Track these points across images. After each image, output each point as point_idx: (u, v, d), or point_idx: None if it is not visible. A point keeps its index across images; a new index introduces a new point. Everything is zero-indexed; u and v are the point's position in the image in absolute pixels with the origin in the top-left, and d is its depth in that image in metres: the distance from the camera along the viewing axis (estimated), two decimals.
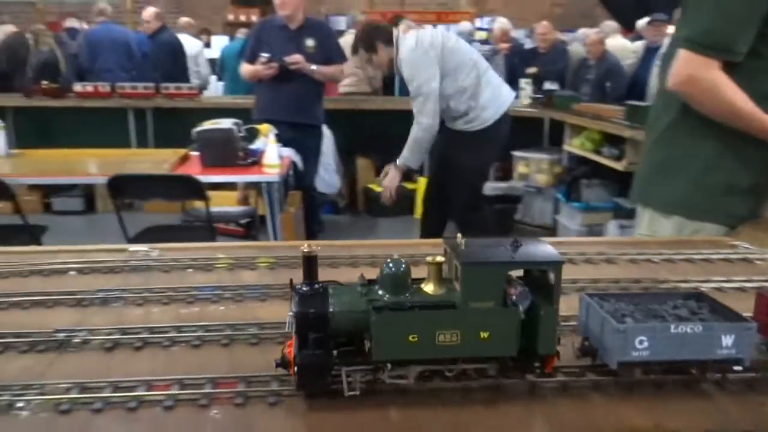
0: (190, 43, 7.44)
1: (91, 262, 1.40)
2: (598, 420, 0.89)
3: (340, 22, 9.01)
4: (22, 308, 1.22)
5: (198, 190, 3.30)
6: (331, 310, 0.87)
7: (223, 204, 4.41)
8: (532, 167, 5.69)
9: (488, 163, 4.33)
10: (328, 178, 5.62)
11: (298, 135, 4.27)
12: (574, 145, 5.21)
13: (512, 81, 7.17)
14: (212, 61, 8.03)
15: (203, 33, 9.52)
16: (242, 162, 3.67)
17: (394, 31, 3.61)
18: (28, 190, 5.51)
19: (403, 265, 0.91)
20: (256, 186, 4.40)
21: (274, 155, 3.60)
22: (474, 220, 3.85)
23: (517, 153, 5.74)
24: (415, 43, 3.47)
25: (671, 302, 1.02)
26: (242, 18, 10.95)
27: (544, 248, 0.93)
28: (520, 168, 5.78)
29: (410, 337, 0.86)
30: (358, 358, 0.90)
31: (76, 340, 1.05)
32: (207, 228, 3.48)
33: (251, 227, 4.37)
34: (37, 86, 5.88)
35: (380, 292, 0.90)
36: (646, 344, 0.89)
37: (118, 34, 7.09)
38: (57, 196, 5.99)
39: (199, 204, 3.97)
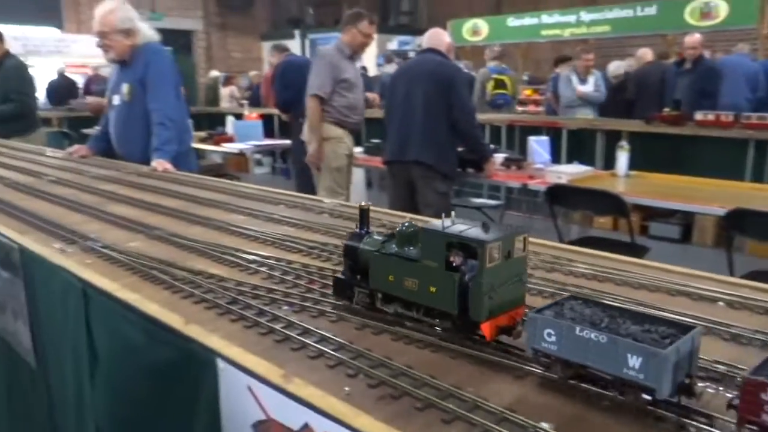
0: None
1: (741, 297, 1.25)
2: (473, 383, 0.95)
3: None
4: None
5: None
6: (359, 247, 1.18)
7: None
8: None
9: None
10: None
11: None
12: None
13: None
14: None
15: None
16: None
17: None
18: (631, 210, 5.78)
19: (412, 228, 1.12)
20: None
21: None
22: None
23: None
24: None
25: (650, 325, 0.88)
26: None
27: (490, 231, 1.01)
28: None
29: (389, 277, 1.12)
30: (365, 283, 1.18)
31: None
32: None
33: None
34: (659, 114, 6.10)
35: (391, 244, 1.14)
36: (554, 338, 0.91)
37: (748, 65, 6.76)
38: (655, 221, 6.10)
39: None
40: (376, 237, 1.19)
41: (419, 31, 15.09)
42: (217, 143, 6.73)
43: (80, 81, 10.76)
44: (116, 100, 3.53)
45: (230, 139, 6.74)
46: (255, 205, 2.24)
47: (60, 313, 1.53)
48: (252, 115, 7.86)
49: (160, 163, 3.13)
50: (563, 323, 0.91)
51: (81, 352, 1.43)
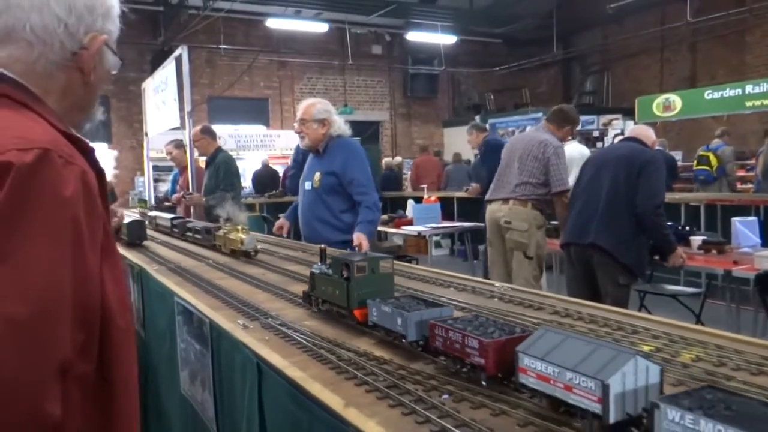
0: None
1: None
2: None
3: None
4: None
5: None
6: (313, 271, 1.86)
7: None
8: None
9: None
10: None
11: None
12: None
13: None
14: None
15: None
16: None
17: None
18: None
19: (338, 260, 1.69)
20: None
21: None
22: None
23: None
24: None
25: (429, 306, 1.47)
26: None
27: (365, 256, 1.68)
28: None
29: (322, 288, 1.79)
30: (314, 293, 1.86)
31: None
32: None
33: None
34: None
35: (329, 269, 1.76)
36: (375, 314, 1.53)
37: None
38: None
39: None
40: (324, 267, 1.80)
41: (604, 110, 14.67)
42: (397, 226, 6.97)
43: (281, 170, 11.96)
44: (308, 185, 3.85)
45: (410, 222, 6.95)
46: (425, 287, 2.24)
47: (238, 386, 1.62)
48: (431, 198, 8.07)
49: (359, 237, 3.45)
50: (378, 304, 1.52)
51: (253, 425, 1.49)
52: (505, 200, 4.56)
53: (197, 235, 3.52)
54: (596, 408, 0.94)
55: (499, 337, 1.20)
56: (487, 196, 4.82)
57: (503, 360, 1.17)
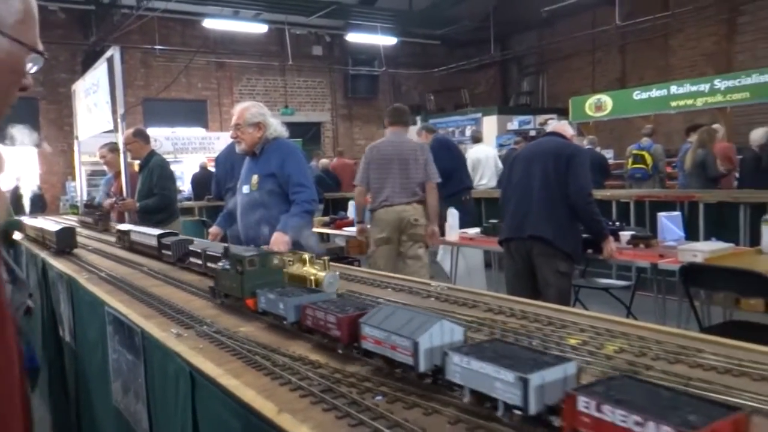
0: None
1: None
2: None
3: None
4: None
5: None
6: (217, 267, 2.11)
7: None
8: None
9: None
10: None
11: None
12: None
13: None
14: None
15: None
16: None
17: None
18: None
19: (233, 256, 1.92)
20: None
21: None
22: None
23: None
24: None
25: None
26: None
27: (256, 252, 1.96)
28: None
29: (223, 281, 2.00)
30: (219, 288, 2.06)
31: None
32: None
33: None
34: None
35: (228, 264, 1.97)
36: (263, 301, 1.75)
37: None
38: None
39: None
40: (227, 265, 1.97)
41: (540, 110, 15.08)
42: (338, 227, 6.96)
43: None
44: (245, 189, 3.79)
45: (351, 223, 6.94)
46: (362, 289, 2.25)
47: (171, 396, 1.59)
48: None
49: (276, 237, 3.38)
50: (266, 292, 1.74)
51: None
52: (409, 202, 5.00)
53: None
54: (410, 361, 1.19)
55: (352, 313, 1.41)
56: (389, 201, 5.01)
57: (355, 332, 1.37)
